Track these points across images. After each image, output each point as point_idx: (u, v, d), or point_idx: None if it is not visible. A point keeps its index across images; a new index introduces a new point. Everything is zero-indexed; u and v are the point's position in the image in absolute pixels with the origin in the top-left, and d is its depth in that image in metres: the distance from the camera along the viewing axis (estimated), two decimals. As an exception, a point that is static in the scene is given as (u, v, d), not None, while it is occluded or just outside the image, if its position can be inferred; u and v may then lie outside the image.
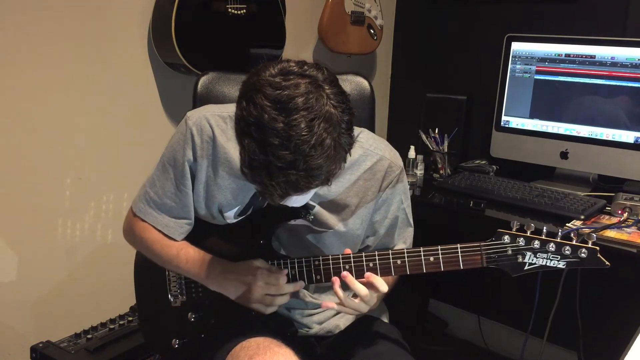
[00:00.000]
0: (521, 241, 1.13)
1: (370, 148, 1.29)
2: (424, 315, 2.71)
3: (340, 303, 1.17)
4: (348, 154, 1.05)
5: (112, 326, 1.85)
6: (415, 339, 1.55)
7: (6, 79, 1.69)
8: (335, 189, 1.27)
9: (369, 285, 1.17)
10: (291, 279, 1.24)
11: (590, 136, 1.99)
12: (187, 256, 1.28)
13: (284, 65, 1.00)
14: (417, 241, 1.41)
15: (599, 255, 1.09)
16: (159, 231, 1.31)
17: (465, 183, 2.02)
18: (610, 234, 1.60)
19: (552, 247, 1.11)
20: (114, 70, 1.91)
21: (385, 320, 1.46)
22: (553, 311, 2.05)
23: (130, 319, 1.90)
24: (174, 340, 1.36)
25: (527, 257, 1.13)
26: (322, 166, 0.97)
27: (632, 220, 1.68)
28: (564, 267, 1.11)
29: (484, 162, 2.26)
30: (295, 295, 1.32)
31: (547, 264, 1.12)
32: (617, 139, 1.94)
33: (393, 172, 1.30)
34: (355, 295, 1.18)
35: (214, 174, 1.27)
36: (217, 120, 1.26)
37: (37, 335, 1.82)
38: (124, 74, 1.94)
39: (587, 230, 1.60)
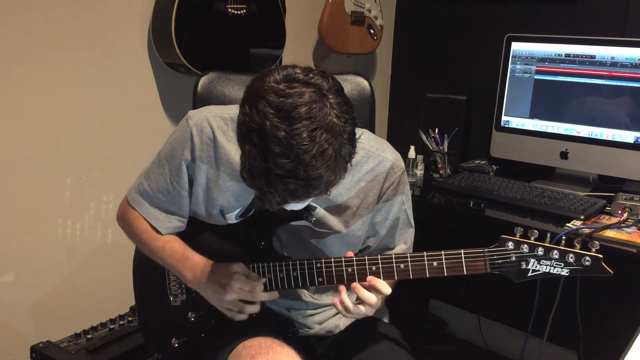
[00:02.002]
0: (525, 248, 1.12)
1: (372, 149, 1.29)
2: (424, 315, 2.72)
3: (348, 311, 1.17)
4: (349, 164, 1.05)
5: (112, 326, 1.85)
6: (415, 339, 1.55)
7: (6, 79, 1.69)
8: (339, 194, 1.27)
9: (372, 289, 1.17)
10: (293, 281, 1.23)
11: (590, 136, 1.99)
12: (171, 250, 1.29)
13: (289, 71, 0.99)
14: (417, 241, 1.41)
15: (602, 263, 1.09)
16: (148, 222, 1.32)
17: (465, 183, 2.02)
18: (610, 234, 1.60)
19: (555, 254, 1.10)
20: (114, 71, 1.91)
21: (386, 320, 1.46)
22: (553, 311, 2.04)
23: (130, 319, 1.90)
24: (173, 339, 1.36)
25: (530, 264, 1.12)
26: (322, 176, 0.97)
27: (632, 220, 1.68)
28: (567, 274, 1.11)
29: (484, 162, 2.26)
30: (295, 295, 1.32)
31: (551, 271, 1.11)
32: (617, 139, 1.94)
33: (395, 173, 1.30)
34: (360, 300, 1.17)
35: (215, 175, 1.26)
36: (218, 122, 1.25)
37: (37, 335, 1.82)
38: (124, 74, 1.93)
39: (587, 231, 1.60)
